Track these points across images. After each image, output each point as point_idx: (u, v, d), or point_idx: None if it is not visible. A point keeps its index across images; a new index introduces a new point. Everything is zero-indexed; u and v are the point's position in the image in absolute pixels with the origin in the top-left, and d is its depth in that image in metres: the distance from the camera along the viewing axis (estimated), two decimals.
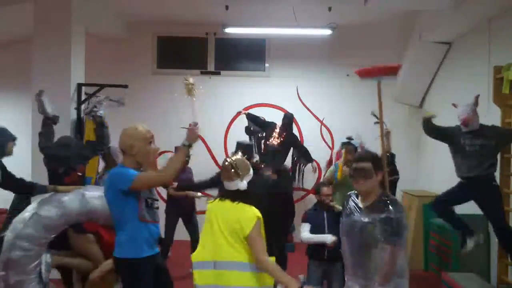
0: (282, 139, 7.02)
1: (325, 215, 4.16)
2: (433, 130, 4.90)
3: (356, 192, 2.84)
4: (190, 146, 3.09)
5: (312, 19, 7.04)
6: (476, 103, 4.50)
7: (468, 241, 4.61)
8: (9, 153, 4.11)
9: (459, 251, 4.79)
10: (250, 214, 2.83)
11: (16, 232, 3.71)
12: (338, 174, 5.57)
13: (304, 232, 4.17)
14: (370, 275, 2.63)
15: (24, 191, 4.18)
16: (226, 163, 2.95)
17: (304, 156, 7.35)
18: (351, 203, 2.80)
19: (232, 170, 2.90)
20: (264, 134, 7.28)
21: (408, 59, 7.08)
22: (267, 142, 7.03)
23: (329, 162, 7.27)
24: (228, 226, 2.84)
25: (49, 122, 4.55)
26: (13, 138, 4.10)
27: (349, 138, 6.28)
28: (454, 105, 4.68)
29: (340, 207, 3.95)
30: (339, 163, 5.64)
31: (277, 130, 7.10)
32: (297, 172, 7.41)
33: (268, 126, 7.30)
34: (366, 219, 2.65)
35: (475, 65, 5.80)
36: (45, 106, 4.52)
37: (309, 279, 4.22)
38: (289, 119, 7.26)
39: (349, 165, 5.39)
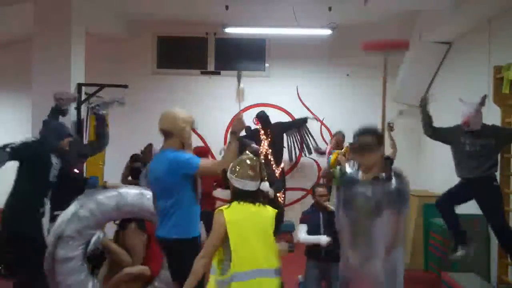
0: (270, 136, 7.18)
1: (321, 215, 4.16)
2: (433, 132, 4.91)
3: (355, 166, 2.87)
4: (235, 133, 3.18)
5: (312, 19, 7.04)
6: (482, 103, 4.46)
7: (459, 249, 4.63)
8: (64, 148, 4.16)
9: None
10: (273, 211, 2.81)
11: (92, 196, 4.04)
12: (332, 159, 5.66)
13: (301, 233, 4.19)
14: (373, 245, 2.64)
15: (79, 186, 4.32)
16: (256, 162, 2.80)
17: (299, 123, 7.50)
18: (350, 176, 2.82)
19: (259, 171, 2.78)
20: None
21: (408, 59, 7.08)
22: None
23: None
24: (263, 230, 2.72)
25: (57, 112, 4.61)
26: (68, 134, 4.21)
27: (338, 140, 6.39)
28: (461, 100, 4.65)
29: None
30: (336, 151, 5.75)
31: (262, 132, 7.23)
32: (307, 137, 7.53)
33: (253, 135, 7.37)
34: (370, 191, 2.66)
35: (475, 65, 5.80)
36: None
37: (307, 279, 4.22)
38: (262, 117, 7.33)
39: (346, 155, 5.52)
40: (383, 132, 3.28)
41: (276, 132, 7.31)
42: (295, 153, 7.59)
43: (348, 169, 2.91)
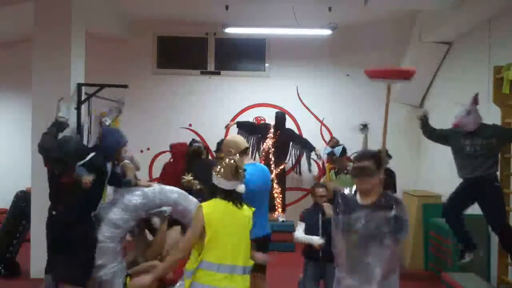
0: (277, 137, 7.16)
1: (319, 216, 4.15)
2: (432, 134, 4.92)
3: (352, 189, 2.85)
4: None
5: (312, 19, 7.04)
6: (474, 102, 4.49)
7: (466, 255, 4.68)
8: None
9: (458, 252, 4.79)
10: (249, 211, 2.97)
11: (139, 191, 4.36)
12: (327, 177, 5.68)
13: (297, 231, 4.20)
14: (370, 271, 2.66)
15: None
16: (232, 161, 2.93)
17: (305, 146, 7.40)
18: (349, 201, 2.80)
19: (235, 171, 2.90)
20: (259, 136, 7.37)
21: (408, 59, 7.08)
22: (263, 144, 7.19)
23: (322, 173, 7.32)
24: (243, 228, 2.89)
25: (56, 127, 4.59)
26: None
27: (333, 146, 6.34)
28: (461, 104, 4.65)
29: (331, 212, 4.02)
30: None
31: (272, 130, 7.21)
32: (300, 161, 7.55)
33: (261, 128, 7.36)
34: (369, 218, 2.67)
35: (475, 65, 5.80)
36: (60, 110, 4.73)
37: (305, 278, 4.23)
38: (280, 118, 7.33)
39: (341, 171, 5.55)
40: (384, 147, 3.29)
41: (284, 136, 7.29)
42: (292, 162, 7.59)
43: (346, 191, 2.91)
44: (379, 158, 2.82)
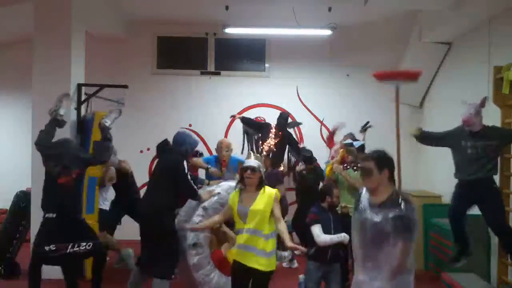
0: (279, 139, 7.04)
1: (331, 216, 4.19)
2: (430, 141, 4.92)
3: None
4: None
5: (312, 19, 7.04)
6: (482, 105, 4.47)
7: (461, 260, 4.69)
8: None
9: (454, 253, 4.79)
10: None
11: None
12: (327, 172, 5.64)
13: (320, 234, 4.11)
14: (379, 268, 2.71)
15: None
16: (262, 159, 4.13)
17: (299, 153, 7.21)
18: (364, 200, 2.89)
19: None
20: (260, 135, 7.24)
21: (408, 60, 7.08)
22: (264, 144, 7.06)
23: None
24: None
25: (54, 123, 4.58)
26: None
27: (353, 139, 6.29)
28: (464, 102, 4.62)
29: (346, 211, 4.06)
30: (330, 161, 5.73)
31: (273, 130, 7.10)
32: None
33: (263, 128, 7.30)
34: (377, 217, 2.73)
35: (475, 65, 5.80)
36: (60, 108, 4.70)
37: (308, 280, 4.23)
38: (285, 119, 7.23)
39: (350, 165, 5.47)
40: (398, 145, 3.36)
41: (285, 138, 7.22)
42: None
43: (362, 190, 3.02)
44: (381, 158, 2.87)
